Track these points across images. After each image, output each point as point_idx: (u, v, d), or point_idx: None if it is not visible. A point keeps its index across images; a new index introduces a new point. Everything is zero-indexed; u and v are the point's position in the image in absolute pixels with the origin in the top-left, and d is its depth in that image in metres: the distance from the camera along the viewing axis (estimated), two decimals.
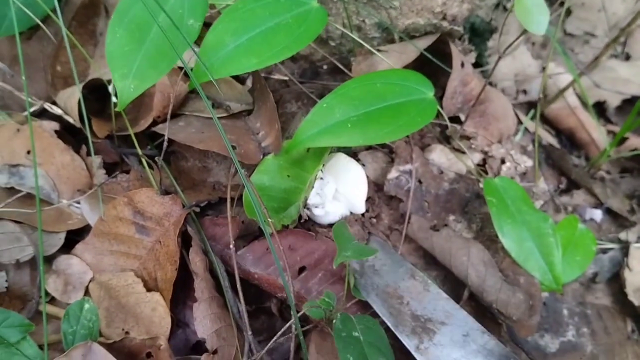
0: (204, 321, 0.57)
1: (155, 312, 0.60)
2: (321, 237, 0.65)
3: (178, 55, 0.55)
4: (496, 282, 0.64)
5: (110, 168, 0.72)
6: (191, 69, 0.58)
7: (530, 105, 0.97)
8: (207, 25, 0.59)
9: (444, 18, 0.72)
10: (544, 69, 1.03)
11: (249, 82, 0.79)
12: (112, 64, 0.56)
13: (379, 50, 0.73)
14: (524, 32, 0.59)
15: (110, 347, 0.57)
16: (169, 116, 0.62)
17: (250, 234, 0.66)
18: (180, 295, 0.63)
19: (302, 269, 0.62)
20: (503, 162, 0.78)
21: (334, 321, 0.55)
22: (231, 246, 0.59)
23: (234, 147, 0.66)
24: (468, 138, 0.76)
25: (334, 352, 0.60)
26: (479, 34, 0.81)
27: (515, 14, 0.57)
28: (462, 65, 0.72)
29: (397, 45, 0.74)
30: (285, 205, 0.64)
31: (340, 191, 0.67)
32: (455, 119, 0.80)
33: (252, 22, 0.58)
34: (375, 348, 0.54)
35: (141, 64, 0.56)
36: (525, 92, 1.01)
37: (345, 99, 0.59)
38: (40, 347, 0.55)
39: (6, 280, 0.62)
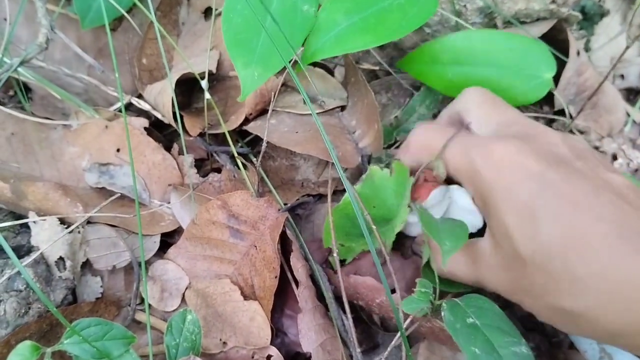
0: (309, 333, 0.54)
1: (253, 321, 0.57)
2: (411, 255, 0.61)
3: (289, 52, 0.51)
4: None
5: (198, 165, 0.69)
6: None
7: (628, 92, 0.90)
8: None
9: (563, 3, 0.65)
10: None
11: (337, 75, 0.75)
12: (232, 52, 0.54)
13: None
14: None
15: (212, 359, 0.55)
16: (269, 115, 0.58)
17: None
18: (277, 302, 0.60)
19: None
20: (615, 158, 0.71)
21: (442, 313, 0.49)
22: (334, 253, 0.55)
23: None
24: (580, 133, 0.70)
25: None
26: (588, 18, 0.74)
27: None
28: (578, 53, 0.66)
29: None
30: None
31: None
32: (559, 112, 0.74)
33: (364, 1, 0.55)
34: (497, 330, 0.47)
35: (262, 50, 0.53)
36: (622, 77, 0.93)
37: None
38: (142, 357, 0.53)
39: (101, 287, 0.60)
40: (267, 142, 0.60)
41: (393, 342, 0.52)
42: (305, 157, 0.71)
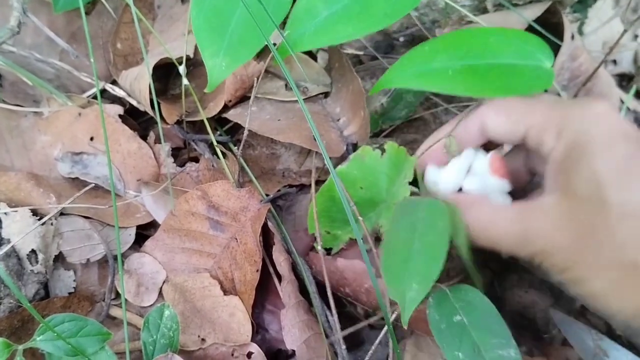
0: (292, 330, 0.52)
1: (233, 317, 0.55)
2: None
3: (263, 37, 0.48)
4: None
5: (174, 154, 0.66)
6: (274, 45, 0.52)
7: (621, 78, 0.88)
8: None
9: None
10: (636, 37, 0.93)
11: (321, 60, 0.72)
12: (200, 41, 0.50)
13: (472, 21, 0.64)
14: None
15: (189, 357, 0.53)
16: (251, 102, 0.55)
17: None
18: (258, 297, 0.57)
19: None
20: None
21: (427, 310, 0.47)
22: (318, 245, 0.53)
23: (313, 137, 0.60)
24: None
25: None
26: (582, 0, 0.72)
27: None
28: (572, 37, 0.63)
29: (498, 15, 0.65)
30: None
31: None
32: None
33: None
34: (486, 330, 0.44)
35: (231, 40, 0.50)
36: (615, 62, 0.91)
37: (451, 45, 0.52)
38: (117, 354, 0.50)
39: (74, 281, 0.58)
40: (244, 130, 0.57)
41: (379, 337, 0.50)
42: (287, 145, 0.68)
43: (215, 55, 0.50)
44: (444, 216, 0.46)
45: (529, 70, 0.52)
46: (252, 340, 0.54)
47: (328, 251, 0.57)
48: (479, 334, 0.44)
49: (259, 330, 0.57)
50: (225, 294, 0.56)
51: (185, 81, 0.59)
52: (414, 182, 0.54)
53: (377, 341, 0.48)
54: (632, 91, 0.81)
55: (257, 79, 0.61)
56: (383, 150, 0.55)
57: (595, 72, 0.62)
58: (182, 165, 0.64)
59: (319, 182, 0.65)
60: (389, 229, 0.51)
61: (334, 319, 0.50)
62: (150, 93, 0.59)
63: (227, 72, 0.50)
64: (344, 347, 0.50)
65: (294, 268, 0.57)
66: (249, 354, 0.53)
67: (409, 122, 0.71)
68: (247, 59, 0.51)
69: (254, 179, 0.60)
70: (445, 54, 0.52)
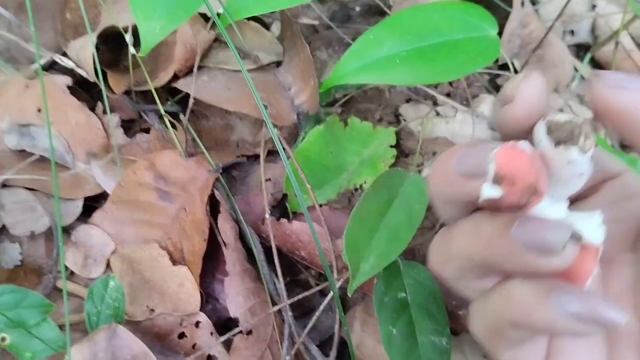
0: (236, 298, 0.52)
1: (182, 287, 0.54)
2: None
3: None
4: None
5: (127, 126, 0.65)
6: (218, 15, 0.51)
7: (579, 48, 0.88)
8: None
9: None
10: (594, 7, 0.94)
11: (274, 29, 0.71)
12: (133, 3, 0.49)
13: None
14: None
15: (136, 327, 0.53)
16: (195, 70, 0.54)
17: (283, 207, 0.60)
18: (209, 267, 0.57)
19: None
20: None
21: (375, 280, 0.47)
22: (266, 213, 0.53)
23: (265, 106, 0.59)
24: None
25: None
26: None
27: None
28: (522, 4, 0.63)
29: None
30: (321, 183, 0.57)
31: None
32: (504, 67, 0.72)
33: None
34: (426, 312, 0.45)
35: (166, 1, 0.49)
36: (573, 32, 0.92)
37: (395, 30, 0.51)
38: (61, 327, 0.50)
39: (20, 253, 0.57)
40: (200, 101, 0.57)
41: (324, 303, 0.50)
42: (241, 116, 0.67)
43: (149, 18, 0.49)
44: (424, 198, 0.46)
45: (475, 43, 0.52)
46: (203, 310, 0.54)
47: (285, 216, 0.57)
48: (418, 315, 0.44)
49: (209, 300, 0.57)
50: (174, 265, 0.55)
51: (132, 49, 0.58)
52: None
53: (321, 307, 0.48)
54: (587, 59, 0.82)
55: (202, 48, 0.60)
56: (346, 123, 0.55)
57: (545, 39, 0.62)
58: (133, 136, 0.63)
59: (273, 152, 0.65)
60: (366, 194, 0.51)
61: (281, 285, 0.51)
62: (95, 62, 0.58)
63: (161, 35, 0.49)
64: (290, 314, 0.50)
65: (244, 237, 0.57)
66: (197, 323, 0.53)
67: (363, 92, 0.71)
68: (182, 21, 0.50)
69: (203, 148, 0.60)
70: (391, 40, 0.51)
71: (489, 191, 0.25)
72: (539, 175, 0.26)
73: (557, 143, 0.26)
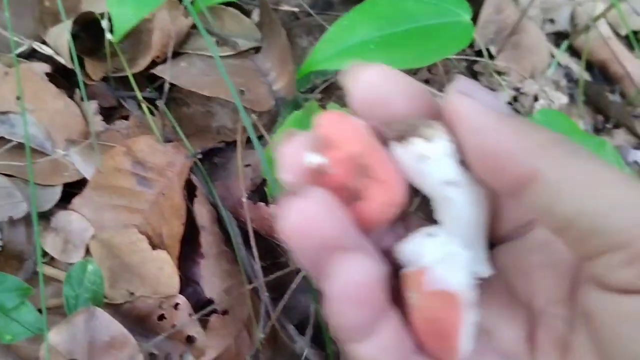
0: (212, 279, 0.53)
1: (162, 271, 0.55)
2: None
3: None
4: None
5: (108, 114, 0.66)
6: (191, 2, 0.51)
7: (558, 36, 0.89)
8: None
9: None
10: None
11: (255, 16, 0.72)
12: None
13: None
14: None
15: (116, 310, 0.53)
16: (169, 55, 0.55)
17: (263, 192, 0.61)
18: (188, 251, 0.58)
19: None
20: (536, 99, 0.71)
21: None
22: (243, 196, 0.54)
23: (242, 92, 0.60)
24: (499, 73, 0.69)
25: None
26: None
27: None
28: None
29: None
30: None
31: None
32: (481, 54, 0.73)
33: None
34: None
35: None
36: (552, 21, 0.93)
37: (369, 16, 0.52)
38: (40, 311, 0.50)
39: (0, 239, 0.57)
40: (182, 89, 0.57)
41: (295, 282, 0.51)
42: (222, 102, 0.68)
43: (121, 4, 0.49)
44: None
45: (448, 28, 0.53)
46: (184, 293, 0.55)
47: (264, 201, 0.58)
48: None
49: (190, 283, 0.58)
50: (154, 249, 0.56)
51: (108, 36, 0.58)
52: None
53: (293, 285, 0.49)
54: (564, 46, 0.83)
55: (171, 33, 0.61)
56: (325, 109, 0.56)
57: (521, 26, 0.63)
58: (112, 123, 0.64)
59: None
60: None
61: (257, 266, 0.51)
62: (70, 48, 0.58)
63: (133, 21, 0.50)
64: (266, 293, 0.51)
65: (222, 222, 0.57)
66: (176, 305, 0.54)
67: None
68: (153, 7, 0.51)
69: (181, 134, 0.60)
70: (365, 26, 0.52)
71: (312, 157, 0.23)
72: (370, 151, 0.24)
73: (400, 139, 0.24)
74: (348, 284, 0.22)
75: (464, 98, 0.23)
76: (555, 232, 0.23)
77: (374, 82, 0.25)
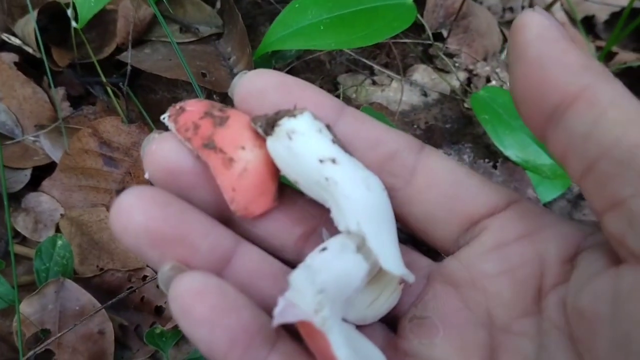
0: None
1: None
2: None
3: None
4: None
5: (77, 101, 0.68)
6: None
7: None
8: None
9: None
10: None
11: (218, 4, 0.75)
12: None
13: None
14: None
15: (87, 284, 0.56)
16: (130, 40, 0.57)
17: None
18: None
19: None
20: (488, 80, 0.75)
21: None
22: None
23: (204, 75, 0.63)
24: (452, 56, 0.73)
25: None
26: None
27: None
28: None
29: None
30: None
31: None
32: (438, 37, 0.77)
33: None
34: None
35: None
36: (512, 9, 0.97)
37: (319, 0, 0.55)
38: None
39: None
40: (149, 76, 0.60)
41: None
42: (188, 89, 0.70)
43: None
44: None
45: (392, 9, 0.57)
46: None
47: None
48: None
49: None
50: None
51: (73, 24, 0.60)
52: None
53: None
54: None
55: (132, 20, 0.63)
56: None
57: (468, 9, 0.67)
58: (81, 109, 0.66)
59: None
60: None
61: None
62: (36, 36, 0.60)
63: (95, 8, 0.52)
64: None
65: None
66: (144, 278, 0.56)
67: (305, 62, 0.75)
68: None
69: (146, 115, 0.63)
70: (315, 8, 0.55)
71: (166, 121, 0.28)
72: (210, 126, 0.27)
73: (269, 127, 0.26)
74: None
75: (534, 14, 0.24)
76: (583, 172, 0.22)
77: (251, 78, 0.29)
